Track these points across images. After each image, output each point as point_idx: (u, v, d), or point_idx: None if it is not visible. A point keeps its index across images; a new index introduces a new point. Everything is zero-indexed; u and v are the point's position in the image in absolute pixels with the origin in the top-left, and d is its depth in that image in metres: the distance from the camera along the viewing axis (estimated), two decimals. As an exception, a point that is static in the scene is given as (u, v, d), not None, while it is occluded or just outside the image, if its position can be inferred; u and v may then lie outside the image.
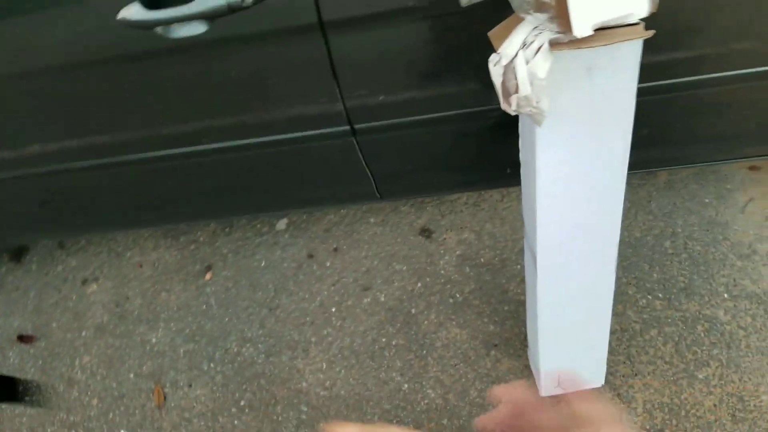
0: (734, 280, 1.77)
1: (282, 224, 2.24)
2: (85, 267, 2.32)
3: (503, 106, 0.95)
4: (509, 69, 0.90)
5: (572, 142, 1.02)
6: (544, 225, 1.19)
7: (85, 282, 2.28)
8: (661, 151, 1.56)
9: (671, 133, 1.46)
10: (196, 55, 1.21)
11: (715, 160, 1.66)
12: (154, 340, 2.06)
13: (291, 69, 1.24)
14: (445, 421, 1.71)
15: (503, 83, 0.92)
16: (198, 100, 1.34)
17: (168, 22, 1.09)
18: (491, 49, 0.97)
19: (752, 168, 1.96)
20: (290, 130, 1.39)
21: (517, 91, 0.90)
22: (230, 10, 1.04)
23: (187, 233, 2.31)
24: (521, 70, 0.88)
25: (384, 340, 1.88)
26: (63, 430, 1.95)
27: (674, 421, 1.61)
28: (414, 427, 1.72)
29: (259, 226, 2.26)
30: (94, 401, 1.97)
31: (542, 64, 0.86)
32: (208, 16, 1.07)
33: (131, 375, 2.00)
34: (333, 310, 1.98)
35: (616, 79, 0.93)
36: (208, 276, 2.17)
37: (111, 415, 1.93)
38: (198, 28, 1.10)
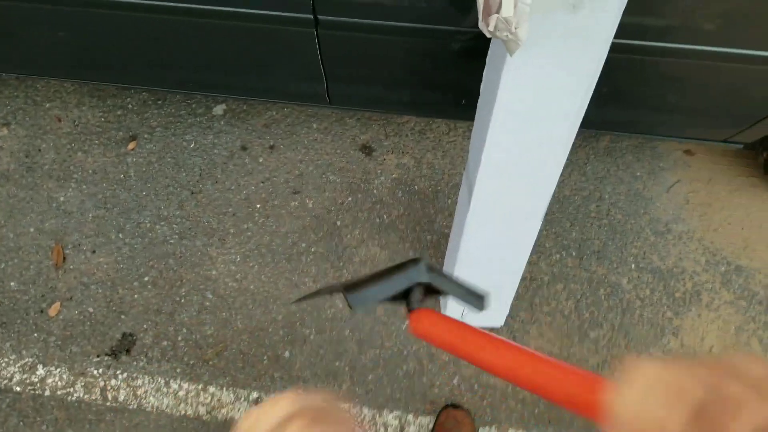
0: (644, 253, 1.87)
1: (219, 109, 2.13)
2: (-3, 108, 2.13)
3: (480, 25, 0.91)
4: (496, -15, 0.86)
5: (538, 78, 1.00)
6: (489, 158, 1.18)
7: (-6, 124, 2.11)
8: (612, 113, 1.58)
9: (626, 97, 1.48)
10: None
11: (657, 134, 1.71)
12: (62, 198, 1.95)
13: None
14: (347, 332, 1.74)
15: (486, 0, 0.88)
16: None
17: None
18: None
19: (687, 152, 2.04)
20: (251, 4, 1.30)
21: (498, 11, 0.86)
22: None
23: (115, 96, 2.16)
24: (508, -11, 0.84)
25: (304, 245, 1.87)
26: (-52, 272, 1.84)
27: (558, 370, 1.72)
28: (316, 333, 1.74)
29: (194, 105, 2.14)
30: (-13, 249, 1.86)
31: (531, -12, 0.82)
32: None
33: (32, 229, 1.89)
34: (258, 206, 1.94)
35: (598, 22, 0.91)
36: (131, 146, 2.05)
37: (3, 265, 1.83)
38: None
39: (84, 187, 1.98)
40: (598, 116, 1.55)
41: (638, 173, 2.00)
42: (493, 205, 1.32)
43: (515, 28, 0.87)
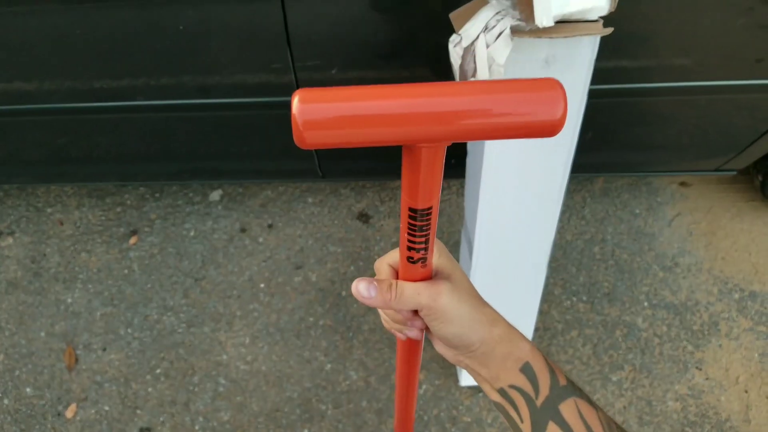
0: (655, 289, 1.85)
1: (216, 195, 2.17)
2: (1, 219, 2.17)
3: (458, 89, 0.94)
4: (469, 51, 0.90)
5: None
6: (485, 214, 1.19)
7: (-2, 234, 2.14)
8: (601, 156, 1.61)
9: (613, 139, 1.51)
10: (145, 6, 1.14)
11: (650, 171, 1.73)
12: (69, 300, 1.95)
13: (245, 32, 1.19)
14: (364, 403, 1.70)
15: (461, 65, 0.91)
16: (141, 53, 1.27)
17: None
18: (449, 32, 0.96)
19: (683, 184, 2.06)
20: (237, 95, 1.34)
21: (474, 75, 0.89)
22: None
23: (113, 194, 2.20)
24: (481, 53, 0.88)
25: (311, 319, 1.86)
26: (-42, 387, 1.82)
27: (585, 419, 1.67)
28: (333, 408, 1.71)
29: (191, 194, 2.18)
30: (0, 357, 1.86)
31: (502, 50, 0.86)
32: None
33: (42, 334, 1.89)
34: (262, 285, 1.94)
35: (572, 73, 0.94)
36: (132, 240, 2.08)
37: (17, 372, 1.82)
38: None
39: (90, 286, 1.99)
40: (588, 160, 1.57)
41: (637, 210, 2.01)
42: (494, 260, 1.33)
43: (491, 89, 0.90)
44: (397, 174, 1.59)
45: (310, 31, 1.18)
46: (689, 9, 1.15)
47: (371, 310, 1.86)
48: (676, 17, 1.17)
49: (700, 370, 1.73)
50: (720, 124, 1.46)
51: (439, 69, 1.26)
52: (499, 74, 0.88)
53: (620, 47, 1.21)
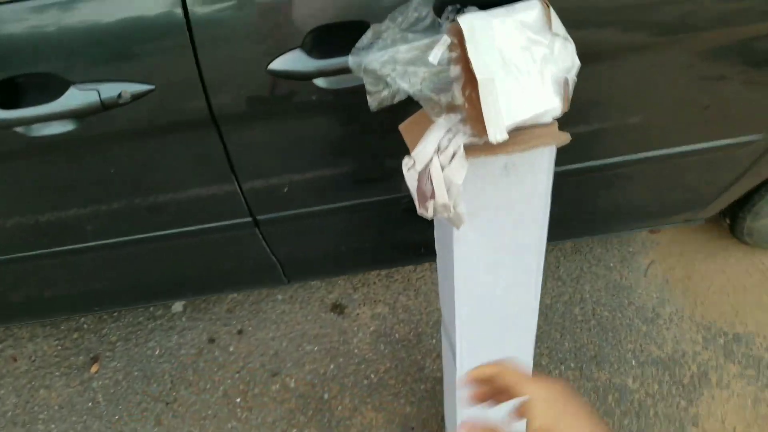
0: (640, 345, 1.81)
1: (178, 306, 2.06)
2: (-53, 364, 2.01)
3: (419, 211, 0.89)
4: (424, 174, 0.85)
5: (489, 234, 0.98)
6: (463, 312, 1.13)
7: (-55, 382, 1.98)
8: (568, 226, 1.58)
9: (578, 211, 1.49)
10: (69, 152, 1.06)
11: (618, 231, 1.71)
12: (29, 448, 1.80)
13: (185, 163, 1.12)
14: None
15: (418, 188, 0.86)
16: (78, 198, 1.19)
17: (29, 122, 0.94)
18: (401, 142, 0.92)
19: (652, 231, 2.05)
20: (189, 223, 1.27)
21: (433, 196, 0.84)
22: (104, 107, 0.91)
23: (68, 319, 2.07)
24: (437, 176, 0.83)
25: (295, 431, 1.75)
26: None
27: (596, 498, 1.59)
28: None
29: (152, 309, 2.06)
30: None
31: (459, 171, 0.81)
32: (78, 115, 0.93)
33: (1, 494, 1.73)
34: (238, 400, 1.82)
35: (532, 178, 0.90)
36: (94, 368, 1.94)
37: None
38: (65, 127, 0.96)
39: (52, 426, 1.84)
40: (556, 231, 1.54)
41: (611, 263, 1.98)
42: (478, 349, 1.26)
43: (454, 208, 0.85)
44: (365, 267, 1.52)
45: (254, 157, 1.12)
46: (633, 87, 1.14)
47: (357, 410, 1.76)
48: (621, 95, 1.16)
49: (697, 426, 1.67)
50: (681, 184, 1.45)
51: (387, 167, 1.21)
52: (458, 193, 0.83)
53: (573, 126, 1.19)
